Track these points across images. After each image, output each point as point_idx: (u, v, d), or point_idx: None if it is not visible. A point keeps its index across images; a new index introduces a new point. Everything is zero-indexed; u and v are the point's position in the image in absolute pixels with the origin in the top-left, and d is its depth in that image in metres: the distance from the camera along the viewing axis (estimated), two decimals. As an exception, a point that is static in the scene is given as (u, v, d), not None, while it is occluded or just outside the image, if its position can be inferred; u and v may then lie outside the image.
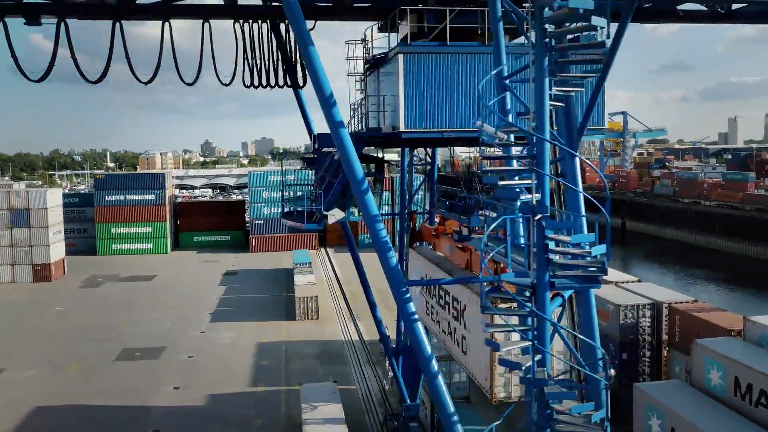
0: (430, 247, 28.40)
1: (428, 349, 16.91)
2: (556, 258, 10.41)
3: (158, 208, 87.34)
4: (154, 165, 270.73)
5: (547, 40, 10.48)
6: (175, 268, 78.33)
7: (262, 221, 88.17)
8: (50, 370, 42.30)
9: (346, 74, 23.77)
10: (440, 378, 16.41)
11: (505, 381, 19.67)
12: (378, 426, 32.90)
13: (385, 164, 26.92)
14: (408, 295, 16.37)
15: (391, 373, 30.10)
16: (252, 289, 65.68)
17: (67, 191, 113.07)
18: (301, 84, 23.94)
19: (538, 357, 10.11)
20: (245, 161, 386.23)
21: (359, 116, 22.90)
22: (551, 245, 10.28)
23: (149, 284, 69.86)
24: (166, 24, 21.14)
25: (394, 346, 31.01)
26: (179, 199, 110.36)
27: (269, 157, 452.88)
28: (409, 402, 28.96)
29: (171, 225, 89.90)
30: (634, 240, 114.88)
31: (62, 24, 19.10)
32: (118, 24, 20.24)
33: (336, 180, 22.39)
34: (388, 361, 29.93)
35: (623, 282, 37.51)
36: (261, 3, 21.78)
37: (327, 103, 15.21)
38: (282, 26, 22.82)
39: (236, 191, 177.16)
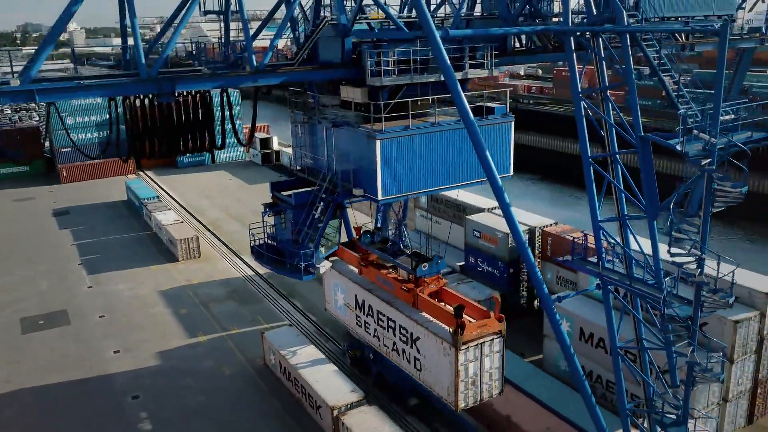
0: (356, 270, 32.62)
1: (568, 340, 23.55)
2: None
3: (-57, 144, 77.55)
4: None
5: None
6: (-12, 212, 72.27)
7: (69, 149, 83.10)
8: (-39, 357, 41.00)
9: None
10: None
11: (464, 395, 26.82)
12: (335, 356, 39.44)
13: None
14: (554, 308, 22.31)
15: None
16: (102, 230, 64.64)
17: None
18: (219, 146, 25.35)
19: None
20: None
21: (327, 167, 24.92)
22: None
23: (-26, 236, 64.65)
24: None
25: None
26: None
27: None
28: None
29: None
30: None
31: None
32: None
33: (317, 234, 25.91)
34: None
35: (494, 209, 47.49)
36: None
37: (499, 191, 20.49)
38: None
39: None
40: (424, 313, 28.06)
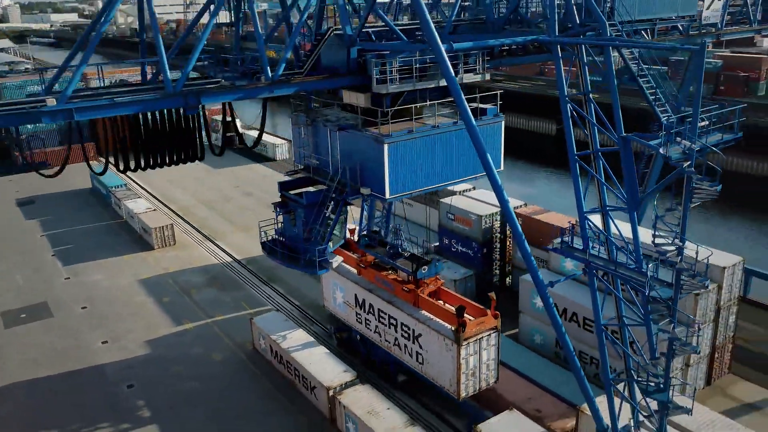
0: (354, 271, 34.94)
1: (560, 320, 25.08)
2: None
3: None
4: None
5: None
6: (-52, 204, 70.78)
7: (24, 136, 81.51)
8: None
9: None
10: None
11: (465, 385, 29.54)
12: (322, 338, 41.07)
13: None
14: (547, 293, 23.84)
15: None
16: (70, 220, 64.26)
17: None
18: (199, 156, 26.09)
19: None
20: None
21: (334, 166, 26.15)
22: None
23: (-63, 230, 63.50)
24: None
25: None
26: None
27: None
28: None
29: None
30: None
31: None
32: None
33: (328, 231, 27.14)
34: None
35: (465, 191, 49.50)
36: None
37: (499, 189, 22.16)
38: None
39: None
40: (424, 312, 30.42)
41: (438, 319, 29.72)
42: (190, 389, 36.78)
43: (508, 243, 45.49)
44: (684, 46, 20.55)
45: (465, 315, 28.38)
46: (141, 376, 38.30)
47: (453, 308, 29.35)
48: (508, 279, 46.08)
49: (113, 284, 50.08)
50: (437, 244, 48.20)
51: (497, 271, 45.85)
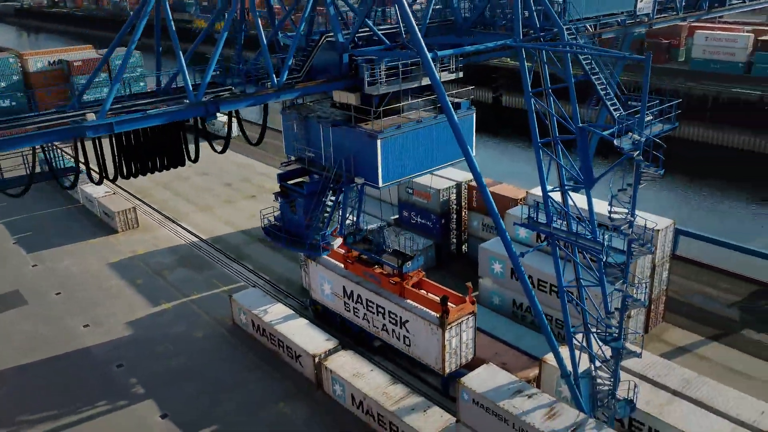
0: (341, 265, 38.05)
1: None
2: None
3: None
4: None
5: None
6: None
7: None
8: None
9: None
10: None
11: (449, 363, 33.16)
12: (298, 310, 43.83)
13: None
14: (520, 263, 26.63)
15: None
16: (25, 206, 63.27)
17: None
18: (193, 159, 28.53)
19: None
20: None
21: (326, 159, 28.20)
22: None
23: None
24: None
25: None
26: None
27: None
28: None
29: None
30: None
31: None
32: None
33: (326, 217, 29.75)
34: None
35: (420, 166, 52.54)
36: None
37: (478, 177, 25.14)
38: None
39: None
40: (410, 301, 34.10)
41: (423, 307, 33.48)
42: (178, 365, 39.09)
43: (463, 214, 49.14)
44: (632, 56, 24.11)
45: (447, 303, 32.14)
46: (128, 356, 40.24)
47: (436, 297, 33.34)
48: (464, 246, 49.87)
49: (83, 269, 51.20)
50: (397, 216, 51.44)
51: (454, 240, 49.55)
